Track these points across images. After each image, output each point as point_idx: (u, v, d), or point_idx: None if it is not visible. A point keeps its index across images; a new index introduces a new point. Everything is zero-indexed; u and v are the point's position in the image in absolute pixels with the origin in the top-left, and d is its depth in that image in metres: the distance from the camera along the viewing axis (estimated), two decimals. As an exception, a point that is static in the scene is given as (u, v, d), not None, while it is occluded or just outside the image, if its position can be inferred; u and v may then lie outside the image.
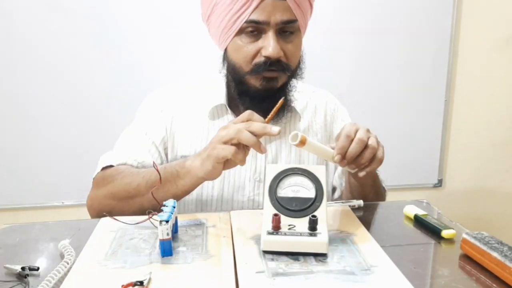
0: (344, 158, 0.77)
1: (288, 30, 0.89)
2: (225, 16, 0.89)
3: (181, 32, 1.72)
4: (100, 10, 1.68)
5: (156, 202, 0.80)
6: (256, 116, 0.76)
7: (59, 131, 1.77)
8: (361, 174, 0.81)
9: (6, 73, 1.70)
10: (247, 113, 0.76)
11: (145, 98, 1.07)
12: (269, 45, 0.87)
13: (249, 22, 0.87)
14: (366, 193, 0.94)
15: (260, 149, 0.74)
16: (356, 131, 0.78)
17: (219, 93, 0.99)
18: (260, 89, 0.91)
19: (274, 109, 0.79)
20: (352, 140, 0.77)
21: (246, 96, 0.94)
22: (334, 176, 1.07)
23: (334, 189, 1.08)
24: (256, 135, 0.73)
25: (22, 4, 1.64)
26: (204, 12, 0.96)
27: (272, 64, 0.88)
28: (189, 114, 1.00)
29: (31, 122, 1.75)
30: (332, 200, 1.04)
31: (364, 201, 0.87)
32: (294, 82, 0.97)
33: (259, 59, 0.89)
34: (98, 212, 0.88)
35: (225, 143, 0.75)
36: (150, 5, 1.70)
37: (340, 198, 1.04)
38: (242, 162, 0.75)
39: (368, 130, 0.80)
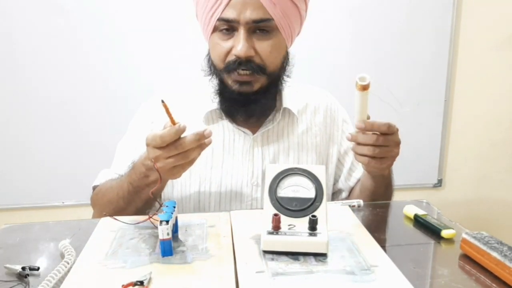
0: (365, 128, 0.79)
1: (263, 29, 0.88)
2: (203, 13, 0.90)
3: (182, 32, 1.72)
4: (101, 10, 1.68)
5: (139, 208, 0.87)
6: (159, 137, 0.72)
7: (59, 131, 1.77)
8: (370, 165, 0.82)
9: (6, 73, 1.70)
10: (157, 140, 0.72)
11: (138, 109, 1.06)
12: (238, 44, 0.86)
13: (221, 20, 0.86)
14: (380, 194, 0.95)
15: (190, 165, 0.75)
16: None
17: (213, 97, 0.97)
18: (235, 91, 0.91)
19: (166, 112, 0.73)
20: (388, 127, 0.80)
21: (223, 96, 0.93)
22: (340, 179, 1.07)
23: (340, 191, 1.08)
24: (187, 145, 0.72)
25: (22, 4, 1.64)
26: (195, 10, 0.97)
27: (243, 63, 0.87)
28: (183, 120, 0.98)
29: (31, 122, 1.75)
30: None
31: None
32: (277, 84, 0.95)
33: (231, 57, 0.88)
34: None
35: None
36: (150, 5, 1.70)
37: (346, 199, 1.04)
38: (191, 163, 0.76)
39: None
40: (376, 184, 0.94)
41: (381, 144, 0.80)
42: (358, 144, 0.81)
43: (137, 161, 0.84)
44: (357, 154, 0.83)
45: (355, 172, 1.06)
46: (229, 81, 0.91)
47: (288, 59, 0.96)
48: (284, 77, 0.96)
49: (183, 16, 1.69)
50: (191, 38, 1.69)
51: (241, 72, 0.88)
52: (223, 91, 0.93)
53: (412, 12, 1.85)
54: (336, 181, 1.08)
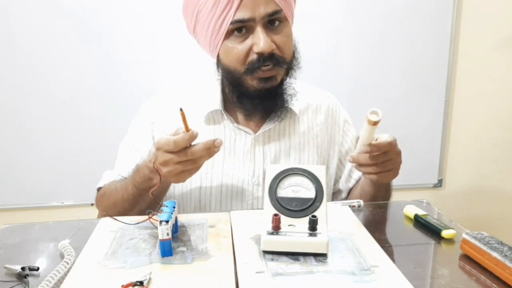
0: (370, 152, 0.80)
1: (275, 21, 0.88)
2: (210, 22, 0.88)
3: (183, 32, 1.71)
4: (101, 10, 1.68)
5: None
6: (173, 142, 0.72)
7: (59, 131, 1.77)
8: (378, 180, 0.84)
9: (6, 73, 1.70)
10: (171, 145, 0.72)
11: (138, 109, 1.06)
12: (259, 41, 0.86)
13: (235, 22, 0.86)
14: (380, 197, 0.96)
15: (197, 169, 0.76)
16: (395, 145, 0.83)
17: (214, 98, 0.97)
18: (260, 89, 0.90)
19: (182, 120, 0.74)
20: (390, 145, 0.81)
21: (246, 98, 0.93)
22: (341, 179, 1.07)
23: (339, 192, 1.08)
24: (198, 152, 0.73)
25: (22, 4, 1.64)
26: (189, 24, 0.95)
27: (266, 59, 0.87)
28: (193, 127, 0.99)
29: (31, 122, 1.75)
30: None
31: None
32: (292, 73, 0.95)
33: (252, 57, 0.88)
34: None
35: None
36: (151, 5, 1.70)
37: (345, 200, 1.04)
38: (198, 168, 0.77)
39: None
40: (377, 188, 0.95)
41: (384, 160, 0.81)
42: (362, 165, 0.83)
43: (141, 164, 0.85)
44: (364, 173, 0.84)
45: (354, 174, 1.06)
46: (253, 81, 0.90)
47: (295, 45, 0.96)
48: (296, 64, 0.96)
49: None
50: (191, 38, 1.70)
51: (264, 68, 0.88)
52: (246, 94, 0.92)
53: (412, 12, 1.85)
54: (336, 181, 1.08)
